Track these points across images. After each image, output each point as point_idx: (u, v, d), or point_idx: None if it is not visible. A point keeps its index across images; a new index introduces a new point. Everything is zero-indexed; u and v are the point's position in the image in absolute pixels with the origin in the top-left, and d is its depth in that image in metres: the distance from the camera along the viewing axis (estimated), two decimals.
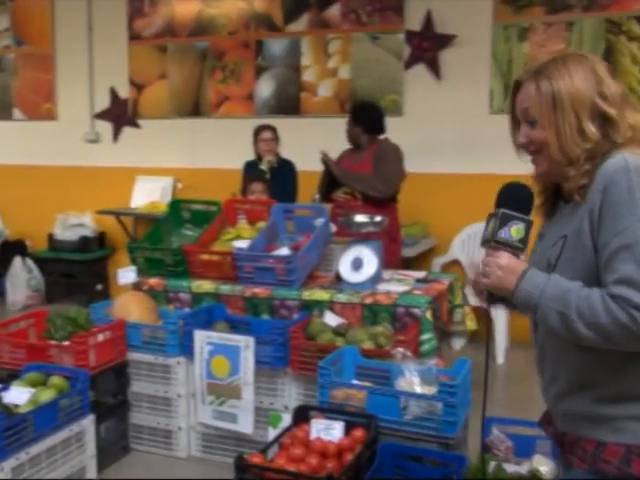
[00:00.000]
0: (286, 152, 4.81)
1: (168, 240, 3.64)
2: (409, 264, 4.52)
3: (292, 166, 4.65)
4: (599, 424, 1.33)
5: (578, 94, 1.34)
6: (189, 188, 5.70)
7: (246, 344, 2.86)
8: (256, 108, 5.47)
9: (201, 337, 2.95)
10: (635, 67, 4.45)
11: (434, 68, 4.91)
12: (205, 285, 3.26)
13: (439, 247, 4.99)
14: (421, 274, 3.45)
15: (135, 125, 5.92)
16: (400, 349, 2.52)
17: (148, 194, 5.78)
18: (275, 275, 3.12)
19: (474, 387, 3.93)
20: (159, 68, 5.75)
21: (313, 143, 5.24)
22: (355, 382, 2.57)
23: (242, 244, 3.34)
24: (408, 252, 4.50)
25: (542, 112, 1.36)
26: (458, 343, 3.50)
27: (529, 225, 1.39)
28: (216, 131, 5.64)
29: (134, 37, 5.79)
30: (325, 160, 4.06)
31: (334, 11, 5.13)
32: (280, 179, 4.50)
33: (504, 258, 1.36)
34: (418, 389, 2.41)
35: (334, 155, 4.20)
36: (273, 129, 4.59)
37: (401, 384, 2.46)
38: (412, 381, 2.43)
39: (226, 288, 3.21)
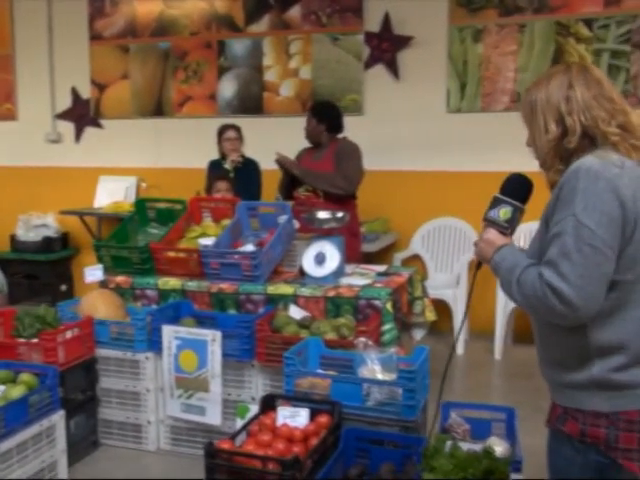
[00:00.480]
0: (249, 151, 4.89)
1: (134, 239, 3.69)
2: (371, 259, 4.64)
3: (256, 165, 4.73)
4: (553, 386, 1.60)
5: (549, 99, 1.56)
6: (153, 188, 5.73)
7: (213, 338, 2.94)
8: (219, 108, 5.54)
9: (169, 332, 3.02)
10: None
11: (393, 68, 5.04)
12: (172, 282, 3.33)
13: (399, 242, 5.14)
14: (382, 268, 3.57)
15: (97, 125, 5.93)
16: (362, 339, 2.64)
17: (111, 194, 5.80)
18: (240, 271, 3.21)
19: (434, 375, 4.09)
20: (121, 68, 5.77)
21: (276, 142, 5.33)
22: (319, 371, 2.67)
23: (207, 241, 3.42)
24: (369, 247, 4.62)
25: (525, 118, 1.62)
26: (418, 334, 3.63)
27: (517, 209, 1.63)
28: (179, 131, 5.69)
29: (95, 37, 5.80)
30: (281, 162, 4.12)
31: (295, 12, 5.23)
32: (244, 178, 4.58)
33: (490, 233, 1.63)
34: (379, 376, 2.52)
35: (291, 154, 4.29)
36: (237, 128, 4.67)
37: (364, 372, 2.57)
38: (374, 369, 2.54)
39: (192, 284, 3.29)
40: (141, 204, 3.79)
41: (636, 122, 1.56)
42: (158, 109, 5.71)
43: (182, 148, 5.67)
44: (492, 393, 3.97)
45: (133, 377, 3.09)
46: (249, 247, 3.34)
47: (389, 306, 2.99)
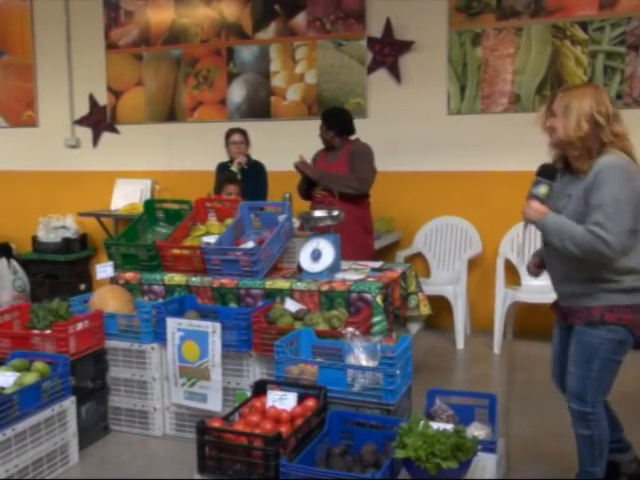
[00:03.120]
0: (258, 153, 5.10)
1: (143, 237, 3.90)
2: (375, 256, 4.80)
3: (262, 167, 4.92)
4: (587, 297, 2.38)
5: (583, 105, 2.33)
6: (166, 190, 5.96)
7: (213, 330, 3.13)
8: (229, 112, 5.75)
9: (172, 324, 3.22)
10: (579, 69, 4.77)
11: (394, 72, 5.20)
12: (177, 278, 3.53)
13: (403, 241, 5.29)
14: (377, 264, 3.73)
15: (114, 130, 6.17)
16: (350, 329, 2.80)
17: (127, 196, 6.04)
18: (240, 267, 3.39)
19: (434, 369, 4.25)
20: (135, 75, 6.00)
21: (283, 145, 5.55)
22: (308, 359, 2.84)
23: (211, 239, 3.61)
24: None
25: (558, 114, 2.36)
26: (414, 327, 3.78)
27: (550, 186, 2.41)
28: (191, 135, 5.91)
29: (111, 46, 6.04)
30: (299, 167, 4.33)
31: (300, 19, 5.42)
32: (251, 180, 4.78)
33: (535, 204, 2.39)
34: (364, 363, 2.69)
35: (309, 156, 4.49)
36: (243, 132, 4.86)
37: (350, 360, 2.74)
38: (359, 357, 2.71)
39: (196, 280, 3.48)
40: (150, 205, 4.00)
41: (623, 132, 2.38)
42: (171, 114, 5.94)
43: (194, 151, 5.88)
44: (489, 385, 4.10)
45: (140, 367, 3.29)
46: (249, 244, 3.53)
47: (379, 299, 3.15)
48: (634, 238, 2.33)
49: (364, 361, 2.71)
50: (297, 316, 3.15)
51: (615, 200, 2.26)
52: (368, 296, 3.16)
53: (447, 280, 5.00)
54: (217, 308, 3.42)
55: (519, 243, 2.66)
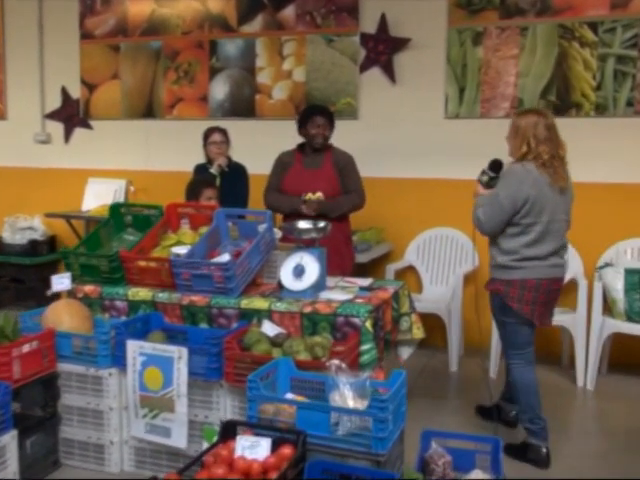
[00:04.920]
0: (241, 155, 4.72)
1: (108, 245, 3.52)
2: (363, 270, 4.45)
3: (244, 170, 4.54)
4: (489, 269, 3.19)
5: (526, 130, 3.04)
6: (141, 191, 5.58)
7: (179, 355, 2.75)
8: (210, 110, 5.37)
9: (133, 347, 2.83)
10: (588, 73, 4.44)
11: (389, 71, 4.85)
12: (142, 293, 3.14)
13: (393, 253, 4.93)
14: (366, 281, 3.37)
15: (87, 126, 5.78)
16: (335, 361, 2.43)
17: (100, 197, 5.64)
18: (213, 282, 3.02)
19: (426, 394, 3.89)
20: (111, 68, 5.61)
21: (268, 146, 5.15)
22: (288, 395, 2.48)
23: (182, 250, 3.23)
24: (362, 258, 4.42)
25: (510, 133, 3.15)
26: (405, 352, 3.42)
27: (491, 178, 3.12)
28: (170, 133, 5.52)
29: (86, 36, 5.65)
30: (306, 212, 3.78)
31: (289, 12, 5.05)
32: (231, 184, 4.40)
33: (477, 188, 3.16)
34: (351, 403, 2.32)
35: (269, 159, 4.09)
36: (223, 131, 4.49)
37: (335, 398, 2.37)
38: (345, 394, 2.34)
39: (163, 296, 3.10)
40: (116, 209, 3.61)
41: (561, 154, 3.07)
42: (148, 110, 5.55)
43: (172, 151, 5.50)
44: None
45: (96, 394, 2.91)
46: (225, 257, 3.15)
47: (369, 324, 2.79)
48: (515, 229, 3.02)
49: (351, 400, 2.34)
50: (275, 341, 2.78)
51: (496, 195, 3.01)
52: (356, 321, 2.79)
53: (440, 296, 4.64)
54: (186, 328, 3.05)
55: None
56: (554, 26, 4.47)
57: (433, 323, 4.41)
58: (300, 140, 4.07)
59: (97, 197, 5.65)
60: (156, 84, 5.49)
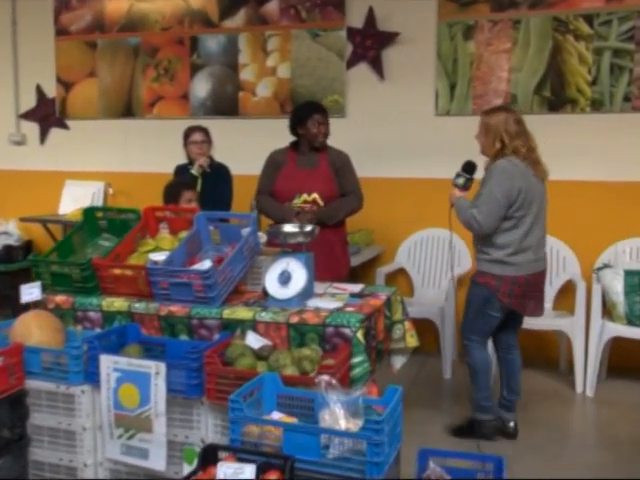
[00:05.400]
0: (224, 155, 4.54)
1: (82, 252, 3.30)
2: (353, 274, 4.28)
3: (226, 170, 4.35)
4: (477, 261, 3.30)
5: (497, 127, 3.19)
6: (121, 193, 5.38)
7: (156, 371, 2.55)
8: (191, 108, 5.17)
9: (107, 363, 2.62)
10: (583, 67, 4.28)
11: (377, 67, 4.68)
12: (117, 303, 2.93)
13: (384, 255, 4.76)
14: (357, 287, 3.18)
15: (63, 126, 5.56)
16: (325, 377, 2.25)
17: (77, 200, 5.42)
18: (192, 292, 2.81)
19: (419, 403, 3.71)
20: (88, 65, 5.40)
21: (252, 145, 4.99)
22: (274, 414, 2.29)
23: (160, 256, 3.02)
24: (351, 261, 4.23)
25: (481, 131, 3.28)
26: (398, 362, 3.23)
27: (466, 178, 3.25)
28: (149, 133, 5.32)
29: (61, 32, 5.44)
30: (302, 219, 3.59)
31: (272, 6, 4.87)
32: (213, 185, 4.20)
33: (455, 191, 3.25)
34: (342, 423, 2.14)
35: (253, 159, 3.90)
36: (204, 130, 4.29)
37: (325, 417, 2.18)
38: (336, 413, 2.16)
39: (140, 306, 2.89)
40: (90, 213, 3.39)
41: (533, 146, 3.20)
42: (127, 109, 5.34)
43: (152, 151, 5.29)
44: None
45: (68, 413, 2.69)
46: (205, 264, 2.95)
47: (360, 335, 2.60)
48: (509, 222, 3.15)
49: (342, 419, 2.15)
50: (260, 354, 2.58)
51: (490, 192, 3.10)
52: (347, 331, 2.60)
53: (433, 300, 4.48)
54: (165, 341, 2.84)
55: (450, 223, 3.31)
56: (548, 19, 4.32)
57: (425, 328, 4.24)
58: (286, 139, 3.87)
59: (75, 200, 5.43)
60: (135, 82, 5.28)
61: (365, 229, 4.63)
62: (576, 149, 4.37)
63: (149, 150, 5.31)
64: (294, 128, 3.80)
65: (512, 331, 3.42)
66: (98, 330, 2.96)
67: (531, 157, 3.17)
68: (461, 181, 3.24)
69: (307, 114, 3.72)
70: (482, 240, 3.23)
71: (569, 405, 3.86)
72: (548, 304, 4.30)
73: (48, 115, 5.56)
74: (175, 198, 3.68)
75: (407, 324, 3.18)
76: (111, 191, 5.36)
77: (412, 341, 3.19)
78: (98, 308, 2.96)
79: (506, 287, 3.19)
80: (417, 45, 4.60)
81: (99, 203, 5.39)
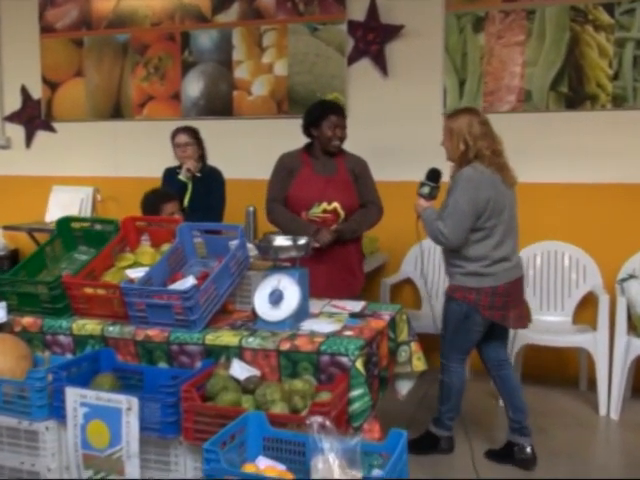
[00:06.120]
0: (218, 158, 4.25)
1: (56, 267, 3.00)
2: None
3: (218, 175, 4.04)
4: (450, 275, 3.10)
5: (460, 129, 3.00)
6: (110, 199, 5.09)
7: (128, 406, 2.24)
8: (183, 109, 4.87)
9: (73, 396, 2.32)
10: (603, 60, 3.96)
11: (380, 63, 4.36)
12: (89, 326, 2.63)
13: (389, 265, 4.44)
14: (358, 305, 2.87)
15: (50, 129, 5.27)
16: (318, 418, 1.93)
17: (65, 206, 5.13)
18: (172, 314, 2.51)
19: (426, 427, 3.38)
20: (75, 64, 5.11)
21: (248, 148, 4.69)
22: (260, 459, 1.98)
23: (138, 273, 2.72)
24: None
25: (445, 136, 3.10)
26: (404, 387, 2.91)
27: (433, 188, 3.10)
28: (140, 135, 5.02)
29: (46, 29, 5.15)
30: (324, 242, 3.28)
31: None
32: (204, 192, 3.90)
33: (421, 201, 3.10)
34: (338, 473, 1.82)
35: (265, 161, 3.57)
36: (190, 131, 3.97)
37: (318, 465, 1.87)
38: (330, 462, 1.85)
39: (114, 330, 2.59)
40: (65, 224, 3.09)
41: (499, 149, 3.00)
42: (116, 111, 5.05)
43: (143, 155, 5.00)
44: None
45: (30, 452, 2.39)
46: (188, 281, 2.64)
47: (360, 365, 2.28)
48: (480, 234, 2.96)
49: (337, 469, 1.84)
50: (246, 387, 2.27)
51: (455, 203, 2.93)
52: (344, 360, 2.29)
53: (441, 314, 4.14)
54: (142, 368, 2.54)
55: (417, 235, 3.18)
56: (565, 8, 3.99)
57: (433, 344, 3.90)
58: (284, 140, 3.56)
59: (62, 207, 5.14)
60: (124, 81, 4.99)
61: (369, 236, 4.30)
62: (596, 149, 4.05)
63: (139, 153, 5.02)
64: (307, 129, 3.47)
65: (500, 345, 3.21)
66: (69, 356, 2.67)
67: (497, 162, 2.97)
68: (426, 190, 3.08)
69: (322, 115, 3.37)
70: (452, 253, 3.04)
71: (592, 429, 3.52)
72: (568, 318, 3.98)
73: (34, 117, 5.27)
74: (155, 213, 3.38)
75: (414, 346, 2.86)
76: (99, 197, 5.07)
77: (419, 365, 2.88)
78: (69, 332, 2.66)
79: (486, 300, 3.00)
80: (423, 39, 4.28)
81: (87, 210, 5.11)
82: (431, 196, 3.09)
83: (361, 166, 3.49)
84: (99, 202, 5.08)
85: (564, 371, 4.09)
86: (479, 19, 4.16)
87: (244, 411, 2.11)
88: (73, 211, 5.06)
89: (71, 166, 5.20)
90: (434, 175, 3.10)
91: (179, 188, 3.92)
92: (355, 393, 2.25)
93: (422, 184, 3.10)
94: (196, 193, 3.90)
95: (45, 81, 5.20)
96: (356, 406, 2.25)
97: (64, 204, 5.16)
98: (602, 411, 3.63)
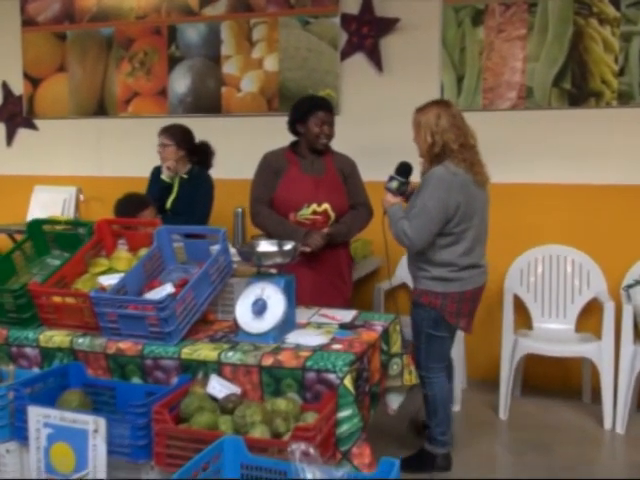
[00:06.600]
0: None
1: (26, 274, 2.80)
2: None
3: (205, 179, 3.83)
4: (415, 279, 2.96)
5: (428, 122, 2.86)
6: (94, 200, 4.88)
7: (95, 427, 2.05)
8: (170, 106, 4.67)
9: (36, 416, 2.13)
10: (609, 55, 3.77)
11: (375, 58, 4.17)
12: (57, 337, 2.43)
13: (383, 269, 4.22)
14: (349, 315, 2.68)
15: (31, 126, 5.07)
16: (301, 445, 1.74)
17: (47, 207, 4.93)
18: (146, 325, 2.31)
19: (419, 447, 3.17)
20: (57, 59, 4.91)
21: (237, 146, 4.49)
22: None
23: (112, 280, 2.53)
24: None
25: (415, 130, 2.95)
26: (395, 401, 2.72)
27: (401, 182, 2.94)
28: (125, 133, 4.82)
29: (28, 23, 4.94)
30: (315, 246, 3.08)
31: None
32: (188, 194, 3.71)
33: (388, 196, 2.94)
34: None
35: (255, 160, 3.37)
36: (167, 132, 3.78)
37: None
38: None
39: (83, 342, 2.39)
40: (36, 227, 2.90)
41: (471, 143, 2.84)
42: (100, 107, 4.84)
43: (128, 153, 4.80)
44: (497, 471, 3.08)
45: None
46: (165, 289, 2.45)
47: (348, 382, 2.09)
48: (448, 239, 2.80)
49: None
50: (224, 406, 2.08)
51: (424, 205, 2.75)
52: (332, 377, 2.10)
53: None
54: (115, 384, 2.35)
55: (384, 232, 2.96)
56: (568, 1, 3.81)
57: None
58: (274, 138, 3.36)
59: (44, 207, 4.94)
60: (108, 77, 4.79)
61: (362, 239, 4.11)
62: (601, 148, 3.86)
63: (124, 152, 4.82)
64: (293, 125, 3.27)
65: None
66: (36, 370, 2.48)
67: (466, 157, 2.79)
68: (395, 185, 2.92)
69: (309, 110, 3.17)
70: (418, 255, 2.88)
71: (598, 444, 3.34)
72: (570, 326, 3.79)
73: (15, 114, 5.06)
74: (132, 210, 3.19)
75: (406, 359, 2.68)
76: (82, 197, 4.87)
77: (410, 379, 2.70)
78: (35, 343, 2.46)
79: (452, 306, 2.85)
80: (420, 32, 4.09)
81: (70, 210, 4.90)
82: (399, 191, 2.92)
83: (350, 166, 3.31)
84: (82, 203, 4.88)
85: (566, 382, 3.90)
86: (478, 12, 3.97)
87: (220, 435, 1.92)
88: (55, 212, 4.86)
89: (53, 165, 5.00)
90: (404, 169, 2.96)
91: (163, 188, 3.74)
92: (343, 414, 2.06)
93: (391, 178, 2.95)
94: (180, 196, 3.71)
95: (27, 77, 4.99)
96: (344, 428, 2.06)
97: (46, 204, 4.96)
98: (607, 425, 3.44)
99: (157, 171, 3.88)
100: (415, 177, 3.11)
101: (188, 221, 3.47)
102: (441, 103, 2.94)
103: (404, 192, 2.94)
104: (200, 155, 3.83)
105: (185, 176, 3.77)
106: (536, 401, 3.79)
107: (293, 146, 3.28)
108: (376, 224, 4.14)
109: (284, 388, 2.15)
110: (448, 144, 2.79)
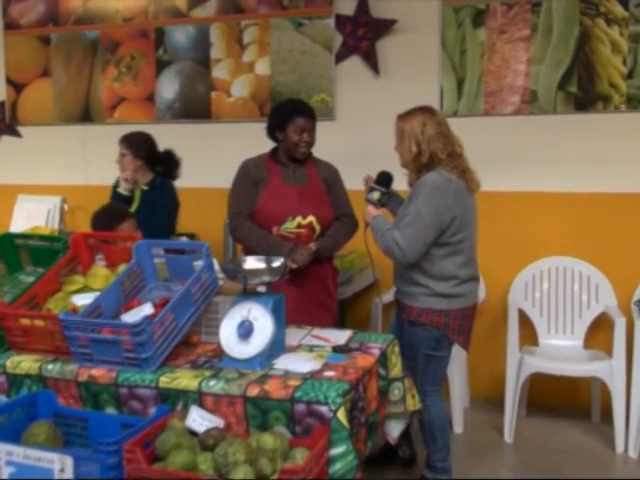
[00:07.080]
0: (194, 165, 3.92)
1: None
2: (343, 308, 3.59)
3: (167, 187, 3.61)
4: (410, 296, 2.74)
5: (412, 130, 2.70)
6: (79, 209, 4.67)
7: (61, 466, 1.85)
8: (157, 111, 4.48)
9: None
10: (617, 57, 3.59)
11: (371, 61, 3.99)
12: (25, 363, 2.24)
13: (381, 283, 4.02)
14: (343, 335, 2.49)
15: (14, 133, 4.88)
16: None
17: (31, 217, 4.72)
18: (120, 351, 2.11)
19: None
20: (41, 63, 4.72)
21: (227, 153, 4.29)
22: None
23: (86, 300, 2.33)
24: (341, 293, 3.53)
25: (397, 139, 2.79)
26: (396, 429, 2.53)
27: (382, 192, 2.82)
28: (111, 140, 4.55)
29: (10, 25, 4.76)
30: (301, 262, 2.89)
31: None
32: (149, 207, 3.50)
33: (369, 208, 2.81)
34: None
35: (229, 169, 3.17)
36: (125, 141, 3.61)
37: None
38: None
39: (53, 368, 2.19)
40: (7, 241, 2.71)
41: (458, 152, 2.71)
42: (85, 113, 4.65)
43: (114, 161, 4.56)
44: None
45: None
46: (144, 310, 2.26)
47: (342, 415, 1.89)
48: (444, 250, 2.64)
49: None
50: (204, 442, 1.88)
51: (417, 212, 2.58)
52: (324, 410, 1.90)
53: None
54: (87, 414, 2.15)
55: (367, 247, 2.85)
56: (574, 0, 3.62)
57: None
58: (267, 146, 3.16)
59: (28, 218, 4.73)
60: (94, 82, 4.60)
61: (357, 251, 3.92)
62: (609, 155, 3.68)
63: (110, 160, 4.55)
64: (272, 132, 3.09)
65: None
66: (3, 398, 2.27)
67: (457, 165, 2.67)
68: (376, 196, 2.79)
69: (288, 116, 2.99)
70: (414, 269, 2.68)
71: (610, 469, 3.14)
72: (579, 342, 3.60)
73: None
74: (107, 224, 2.99)
75: (408, 382, 2.49)
76: (67, 207, 4.67)
77: (413, 403, 2.52)
78: (2, 370, 2.27)
79: (455, 323, 2.71)
80: (418, 34, 3.91)
81: (55, 221, 4.71)
82: (381, 202, 2.80)
83: (333, 174, 3.12)
84: (67, 213, 4.68)
85: (574, 401, 3.71)
86: (479, 12, 3.79)
87: (199, 477, 1.72)
88: (39, 222, 4.66)
89: (38, 174, 4.81)
90: (384, 179, 2.82)
91: (121, 201, 3.52)
92: (336, 451, 1.87)
93: (371, 189, 2.81)
94: (141, 208, 3.50)
95: (9, 82, 4.80)
96: (338, 467, 1.86)
97: (30, 215, 4.76)
98: (619, 448, 3.25)
99: (117, 183, 3.70)
100: (399, 187, 2.94)
101: (148, 235, 3.26)
102: (425, 110, 2.75)
103: (385, 203, 2.82)
104: (164, 165, 3.62)
105: (145, 187, 3.57)
106: (543, 422, 3.59)
107: (273, 153, 3.09)
108: (370, 235, 3.96)
109: (271, 421, 1.95)
110: (436, 154, 2.66)
